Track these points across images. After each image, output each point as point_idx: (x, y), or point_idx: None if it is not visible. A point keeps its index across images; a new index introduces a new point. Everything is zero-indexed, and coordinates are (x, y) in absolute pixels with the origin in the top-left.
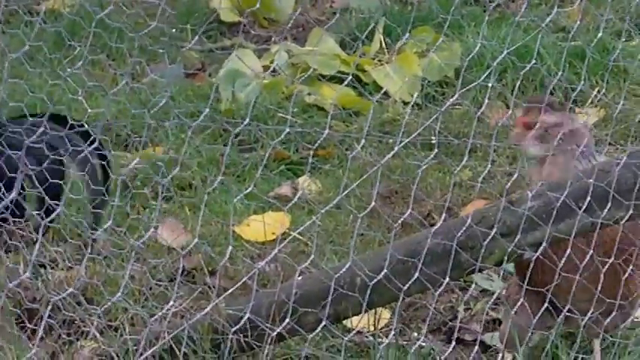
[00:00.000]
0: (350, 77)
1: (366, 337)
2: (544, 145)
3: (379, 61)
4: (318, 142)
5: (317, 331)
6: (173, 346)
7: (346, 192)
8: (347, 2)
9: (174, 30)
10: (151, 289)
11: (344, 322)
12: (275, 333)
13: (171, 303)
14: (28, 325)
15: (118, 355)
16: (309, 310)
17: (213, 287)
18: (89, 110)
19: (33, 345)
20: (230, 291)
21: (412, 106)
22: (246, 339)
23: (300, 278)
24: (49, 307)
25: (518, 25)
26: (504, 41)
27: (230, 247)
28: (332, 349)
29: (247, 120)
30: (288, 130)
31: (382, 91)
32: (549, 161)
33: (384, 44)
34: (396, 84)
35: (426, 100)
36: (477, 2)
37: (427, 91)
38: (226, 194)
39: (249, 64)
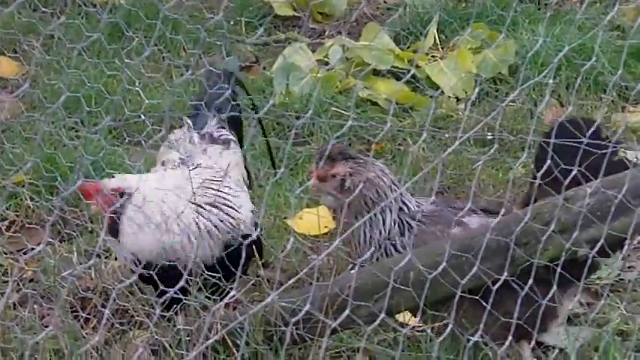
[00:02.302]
0: (411, 73)
1: (418, 331)
2: (339, 195)
3: (433, 56)
4: (380, 136)
5: (375, 324)
6: (226, 337)
7: (405, 186)
8: None
9: (231, 23)
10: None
11: (396, 316)
12: (334, 325)
13: (234, 292)
14: (82, 313)
15: (170, 346)
16: (362, 303)
17: (268, 280)
18: (146, 101)
19: (86, 334)
20: (288, 284)
21: (468, 102)
22: (299, 331)
23: (352, 272)
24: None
25: (571, 23)
26: (559, 39)
27: (292, 240)
28: (383, 343)
29: (310, 113)
30: (350, 123)
31: (438, 89)
32: (344, 213)
33: (438, 40)
34: (450, 80)
35: (480, 96)
36: (531, 0)
37: (481, 88)
38: (280, 187)
39: (304, 58)
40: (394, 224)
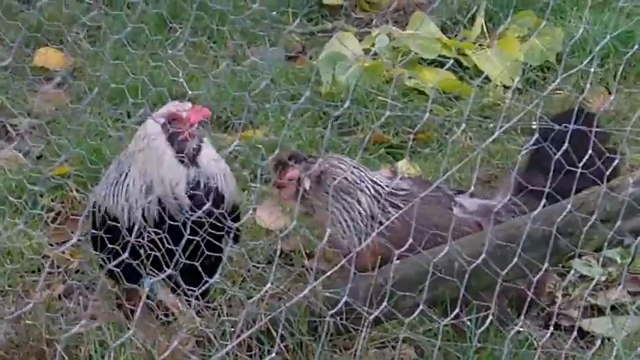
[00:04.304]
0: (452, 61)
1: (462, 321)
2: (302, 198)
3: (480, 45)
4: (419, 125)
5: (414, 315)
6: (270, 327)
7: (446, 176)
8: None
9: (275, 13)
10: (248, 270)
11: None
12: (373, 317)
13: (269, 285)
14: (127, 304)
15: (215, 336)
16: (407, 293)
17: (311, 270)
18: (190, 92)
19: (131, 325)
20: (328, 274)
21: (513, 90)
22: (343, 322)
23: (397, 262)
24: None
25: (620, 11)
26: (607, 26)
27: (330, 230)
28: (428, 333)
29: (347, 103)
30: (388, 113)
31: (483, 76)
32: (316, 212)
33: (485, 28)
34: (497, 68)
35: (527, 84)
36: None
37: (528, 76)
38: None
39: (350, 48)
40: (373, 203)
